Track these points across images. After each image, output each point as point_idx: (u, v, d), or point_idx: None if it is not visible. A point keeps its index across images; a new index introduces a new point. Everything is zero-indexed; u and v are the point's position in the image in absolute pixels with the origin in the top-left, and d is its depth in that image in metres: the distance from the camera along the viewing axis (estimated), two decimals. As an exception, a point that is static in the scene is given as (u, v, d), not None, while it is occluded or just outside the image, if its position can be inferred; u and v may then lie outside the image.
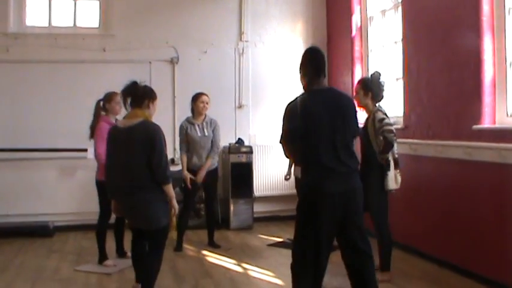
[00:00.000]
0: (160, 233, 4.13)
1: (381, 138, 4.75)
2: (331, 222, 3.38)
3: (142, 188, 3.99)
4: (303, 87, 3.64)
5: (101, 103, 5.48)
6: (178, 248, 6.11)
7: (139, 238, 4.32)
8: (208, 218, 6.46)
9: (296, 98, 3.57)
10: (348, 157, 3.45)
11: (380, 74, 5.04)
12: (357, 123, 3.65)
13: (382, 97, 4.98)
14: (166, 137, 4.15)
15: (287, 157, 3.81)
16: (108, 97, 5.45)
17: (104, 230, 5.39)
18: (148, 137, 3.98)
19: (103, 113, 5.46)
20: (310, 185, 3.46)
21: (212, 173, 6.25)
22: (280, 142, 3.59)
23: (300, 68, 3.64)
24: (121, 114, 4.93)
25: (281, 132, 3.57)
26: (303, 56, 3.66)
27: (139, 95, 4.14)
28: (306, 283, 3.43)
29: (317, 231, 3.37)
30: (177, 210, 4.15)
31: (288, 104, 3.58)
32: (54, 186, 7.17)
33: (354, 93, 5.06)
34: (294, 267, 3.49)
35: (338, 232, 3.45)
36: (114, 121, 5.38)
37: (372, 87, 4.92)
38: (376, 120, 4.78)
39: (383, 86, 4.98)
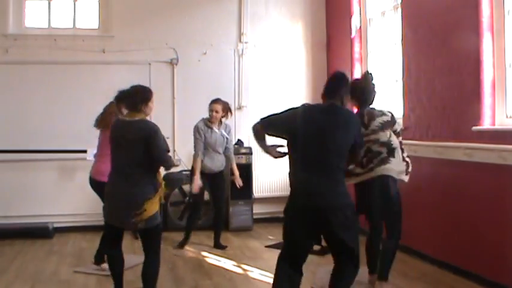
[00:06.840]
0: (152, 232, 4.06)
1: None
2: (303, 231, 3.46)
3: (136, 183, 3.97)
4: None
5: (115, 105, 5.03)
6: (181, 245, 6.18)
7: (115, 241, 4.25)
8: (215, 219, 6.43)
9: (304, 104, 3.66)
10: (333, 175, 3.45)
11: (372, 77, 4.89)
12: (360, 140, 3.67)
13: (371, 102, 4.64)
14: (165, 139, 4.14)
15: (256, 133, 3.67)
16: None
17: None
18: (147, 133, 3.99)
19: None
20: (292, 193, 3.54)
21: (219, 175, 6.26)
22: (260, 122, 3.61)
23: None
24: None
25: (269, 115, 3.61)
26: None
27: (136, 101, 4.11)
28: (283, 276, 3.52)
29: (293, 232, 3.50)
30: (162, 185, 4.13)
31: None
32: (53, 188, 7.16)
33: None
34: (277, 260, 3.60)
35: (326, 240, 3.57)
36: None
37: (356, 95, 4.45)
38: None
39: (374, 91, 4.64)
